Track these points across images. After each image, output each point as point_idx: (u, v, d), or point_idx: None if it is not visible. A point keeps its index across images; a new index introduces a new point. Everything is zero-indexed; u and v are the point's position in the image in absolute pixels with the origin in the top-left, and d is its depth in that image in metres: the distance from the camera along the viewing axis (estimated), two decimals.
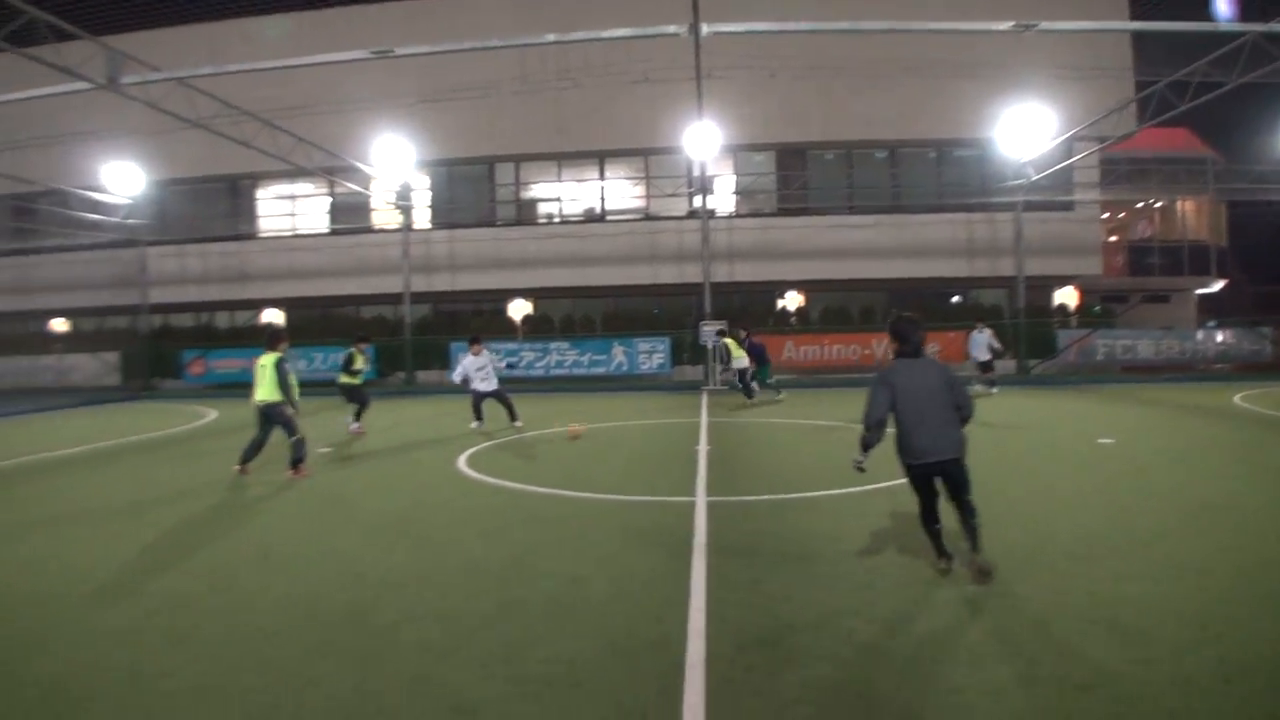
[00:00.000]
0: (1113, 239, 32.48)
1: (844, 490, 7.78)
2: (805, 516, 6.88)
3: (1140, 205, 33.17)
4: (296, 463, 9.31)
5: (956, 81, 23.92)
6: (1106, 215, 31.32)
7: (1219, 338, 26.21)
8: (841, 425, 12.98)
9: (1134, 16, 20.38)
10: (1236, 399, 17.28)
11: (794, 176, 25.75)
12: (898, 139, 25.14)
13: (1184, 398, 17.77)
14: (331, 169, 24.12)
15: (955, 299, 26.86)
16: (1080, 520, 6.56)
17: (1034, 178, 23.48)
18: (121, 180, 24.50)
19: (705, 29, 15.77)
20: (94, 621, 4.73)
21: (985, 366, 18.74)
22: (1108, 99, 22.65)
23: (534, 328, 26.06)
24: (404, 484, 9.04)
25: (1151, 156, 29.11)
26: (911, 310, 24.55)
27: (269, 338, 9.59)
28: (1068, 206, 25.37)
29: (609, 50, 23.64)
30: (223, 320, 29.02)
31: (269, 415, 9.28)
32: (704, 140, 21.39)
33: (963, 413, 5.03)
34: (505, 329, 26.06)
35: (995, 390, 18.72)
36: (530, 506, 7.58)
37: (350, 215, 27.96)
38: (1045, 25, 14.92)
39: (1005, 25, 15.13)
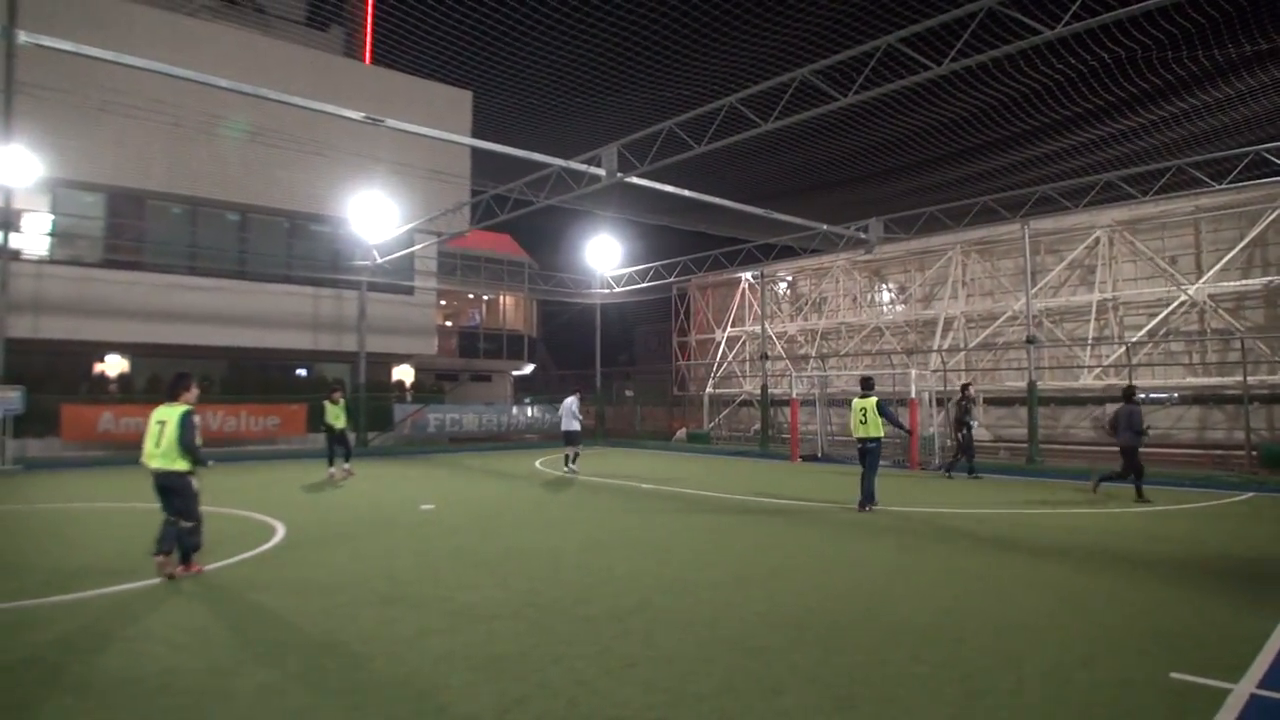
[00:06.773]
0: (447, 324, 36.08)
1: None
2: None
3: (471, 296, 37.54)
4: None
5: (309, 157, 24.26)
6: (444, 302, 34.73)
7: (529, 412, 30.96)
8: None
9: (475, 134, 23.11)
10: (537, 463, 20.48)
11: (129, 226, 22.91)
12: (250, 204, 24.26)
13: (498, 464, 20.39)
14: None
15: (300, 371, 26.81)
16: (397, 574, 7.10)
17: (379, 261, 24.93)
18: None
19: (23, 37, 13.51)
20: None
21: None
22: (447, 200, 25.36)
23: None
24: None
25: (481, 255, 33.39)
26: (256, 381, 23.91)
27: None
28: (408, 291, 27.42)
29: None
30: None
31: None
32: (13, 166, 18.14)
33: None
34: None
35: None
36: None
37: None
38: (392, 123, 16.12)
39: (358, 115, 15.97)
